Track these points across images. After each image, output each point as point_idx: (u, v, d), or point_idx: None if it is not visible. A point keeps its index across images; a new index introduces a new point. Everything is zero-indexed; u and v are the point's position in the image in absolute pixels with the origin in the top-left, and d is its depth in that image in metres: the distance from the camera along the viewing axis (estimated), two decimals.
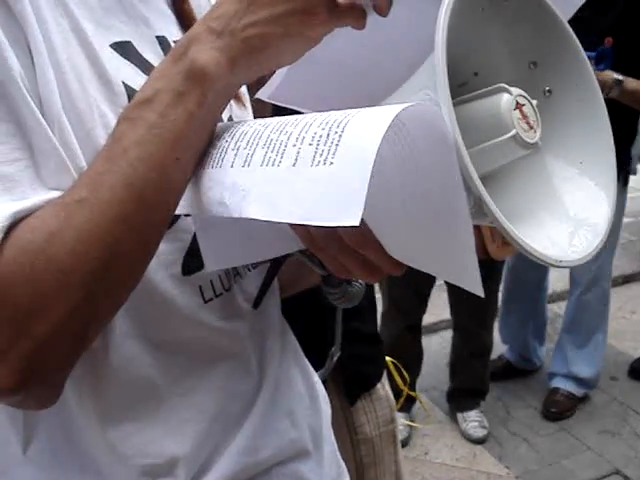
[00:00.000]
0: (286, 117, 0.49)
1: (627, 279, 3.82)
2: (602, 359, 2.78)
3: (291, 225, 0.53)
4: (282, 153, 0.45)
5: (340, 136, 0.43)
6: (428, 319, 2.95)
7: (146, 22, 0.63)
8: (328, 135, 0.43)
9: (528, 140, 0.51)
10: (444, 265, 0.49)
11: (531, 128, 0.51)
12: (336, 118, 0.44)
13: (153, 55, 0.62)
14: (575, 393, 2.76)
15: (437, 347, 3.13)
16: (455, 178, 0.44)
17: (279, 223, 0.43)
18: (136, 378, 0.60)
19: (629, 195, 2.61)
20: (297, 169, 0.44)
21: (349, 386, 1.31)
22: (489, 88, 0.52)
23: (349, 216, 0.40)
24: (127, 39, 0.60)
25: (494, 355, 2.95)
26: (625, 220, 2.72)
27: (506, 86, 0.51)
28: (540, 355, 2.97)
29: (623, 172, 2.48)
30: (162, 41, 0.64)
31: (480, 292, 0.46)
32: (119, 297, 0.50)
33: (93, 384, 0.59)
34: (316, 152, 0.43)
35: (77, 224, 0.46)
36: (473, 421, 2.63)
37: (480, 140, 0.50)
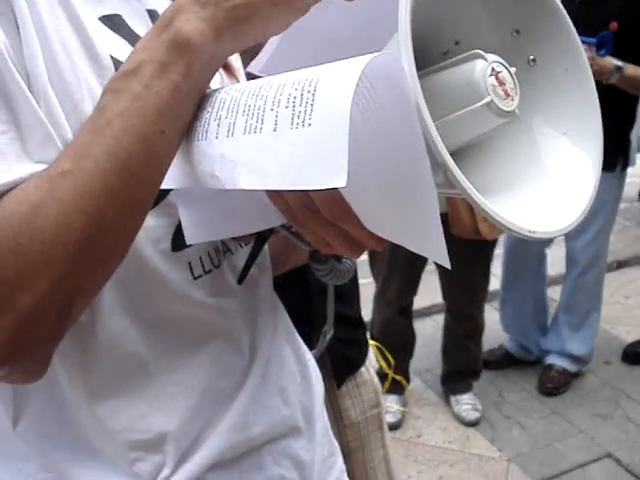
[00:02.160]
0: (260, 80, 0.48)
1: (621, 264, 3.84)
2: (595, 337, 2.80)
3: (270, 198, 0.52)
4: (262, 119, 0.45)
5: (313, 95, 0.42)
6: (421, 303, 2.96)
7: None
8: (302, 95, 0.43)
9: (504, 108, 0.49)
10: (411, 236, 0.48)
11: (508, 96, 0.49)
12: (307, 76, 0.44)
13: (143, 29, 0.61)
14: (569, 369, 2.79)
15: (431, 330, 3.14)
16: (418, 145, 0.43)
17: (265, 193, 0.43)
18: (124, 354, 0.60)
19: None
20: (278, 133, 0.44)
21: (334, 369, 1.31)
22: (464, 55, 0.50)
23: (335, 178, 0.40)
24: (117, 12, 0.60)
25: (495, 344, 2.96)
26: (620, 205, 2.73)
27: (481, 52, 0.49)
28: (539, 346, 2.91)
29: (622, 157, 2.48)
30: (153, 14, 0.63)
31: (446, 263, 0.45)
32: (104, 271, 0.50)
33: (81, 359, 0.59)
34: (293, 114, 0.43)
35: (61, 196, 0.45)
36: (466, 404, 2.65)
37: (455, 109, 0.49)
